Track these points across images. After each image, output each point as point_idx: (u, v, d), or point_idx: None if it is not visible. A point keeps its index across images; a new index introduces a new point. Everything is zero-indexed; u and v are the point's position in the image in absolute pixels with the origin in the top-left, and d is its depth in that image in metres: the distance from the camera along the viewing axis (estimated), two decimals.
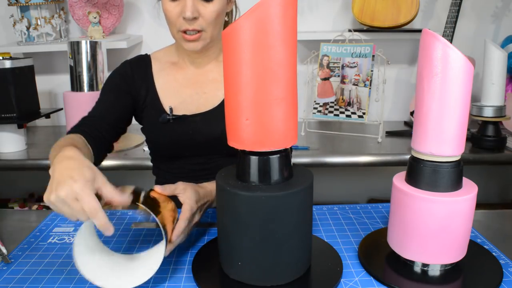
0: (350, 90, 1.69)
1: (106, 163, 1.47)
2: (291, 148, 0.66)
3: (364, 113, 1.66)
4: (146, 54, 1.04)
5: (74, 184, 0.59)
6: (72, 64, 1.55)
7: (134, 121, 1.04)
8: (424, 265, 0.68)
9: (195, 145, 0.97)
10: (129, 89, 0.98)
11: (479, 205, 0.74)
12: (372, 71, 1.65)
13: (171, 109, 0.96)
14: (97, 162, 0.90)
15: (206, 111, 0.97)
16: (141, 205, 0.64)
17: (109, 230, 0.59)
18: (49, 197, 0.60)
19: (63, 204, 0.59)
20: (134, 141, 1.64)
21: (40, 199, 2.01)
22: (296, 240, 0.63)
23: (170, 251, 0.69)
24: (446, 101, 0.60)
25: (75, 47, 1.53)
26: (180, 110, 0.98)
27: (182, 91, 0.99)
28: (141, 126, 1.03)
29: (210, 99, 0.98)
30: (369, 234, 0.80)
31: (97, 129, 0.91)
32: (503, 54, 1.44)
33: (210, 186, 0.84)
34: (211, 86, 0.99)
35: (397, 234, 0.68)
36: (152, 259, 0.68)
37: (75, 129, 0.90)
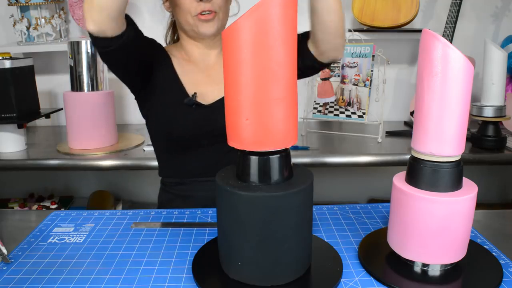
0: (350, 90, 1.69)
1: (106, 163, 1.47)
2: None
3: (364, 113, 1.66)
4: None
5: None
6: (72, 64, 1.55)
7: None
8: (424, 265, 0.68)
9: (213, 132, 0.99)
10: (152, 53, 1.00)
11: (479, 205, 0.74)
12: (372, 71, 1.65)
13: (194, 94, 0.99)
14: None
15: (221, 99, 1.01)
16: None
17: None
18: None
19: None
20: (134, 141, 1.64)
21: (40, 199, 2.01)
22: (296, 240, 0.63)
23: None
24: (446, 101, 0.60)
25: (75, 47, 1.53)
26: (199, 99, 1.01)
27: (198, 83, 1.03)
28: (145, 120, 1.04)
29: (222, 91, 1.01)
30: (369, 234, 0.80)
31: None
32: (503, 54, 1.44)
33: None
34: (220, 79, 1.02)
35: (397, 234, 0.68)
36: None
37: None
